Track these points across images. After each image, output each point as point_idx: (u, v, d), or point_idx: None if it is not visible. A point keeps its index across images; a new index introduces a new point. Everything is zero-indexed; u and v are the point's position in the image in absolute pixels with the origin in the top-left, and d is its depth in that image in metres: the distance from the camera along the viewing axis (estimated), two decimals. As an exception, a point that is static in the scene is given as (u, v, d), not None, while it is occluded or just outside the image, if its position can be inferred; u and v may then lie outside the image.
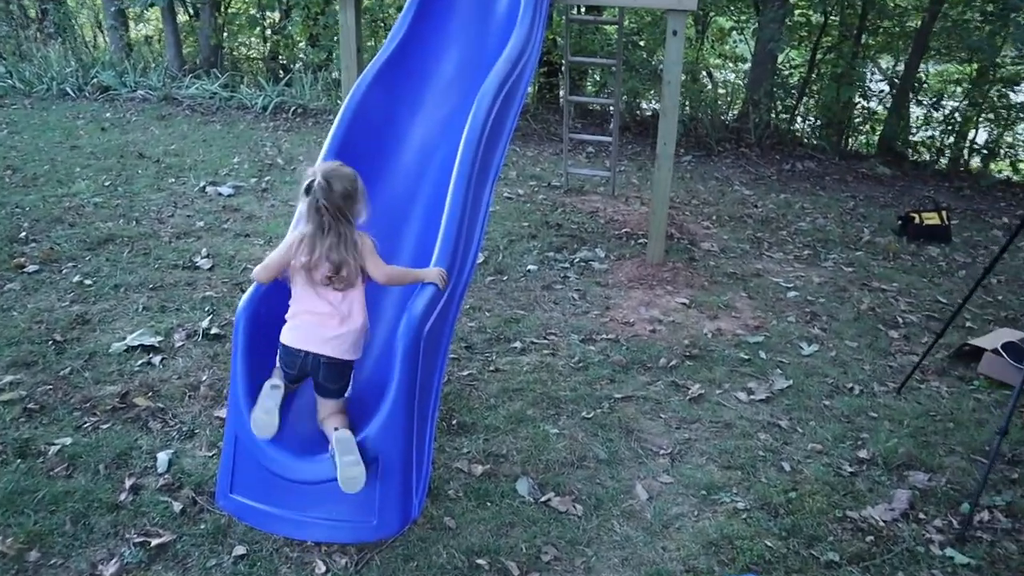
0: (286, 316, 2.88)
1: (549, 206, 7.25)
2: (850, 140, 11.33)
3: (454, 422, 3.59)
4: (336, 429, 2.70)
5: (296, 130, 10.24)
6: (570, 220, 6.79)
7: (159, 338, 4.23)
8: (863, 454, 3.52)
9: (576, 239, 6.27)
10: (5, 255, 5.29)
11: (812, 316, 5.04)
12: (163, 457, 3.25)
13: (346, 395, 2.87)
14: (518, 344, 4.40)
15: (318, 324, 2.79)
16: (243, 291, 4.94)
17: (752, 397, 3.96)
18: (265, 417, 2.70)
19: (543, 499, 3.08)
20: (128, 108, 11.10)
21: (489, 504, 3.05)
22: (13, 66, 12.05)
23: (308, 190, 2.71)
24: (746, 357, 4.38)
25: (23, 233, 5.72)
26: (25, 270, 5.08)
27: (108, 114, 10.65)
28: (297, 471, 2.76)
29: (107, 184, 7.12)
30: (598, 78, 12.31)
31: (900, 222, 7.15)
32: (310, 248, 2.73)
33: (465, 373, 4.04)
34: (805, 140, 10.84)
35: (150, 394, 3.73)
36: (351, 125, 3.72)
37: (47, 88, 11.85)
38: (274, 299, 3.10)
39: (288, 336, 2.82)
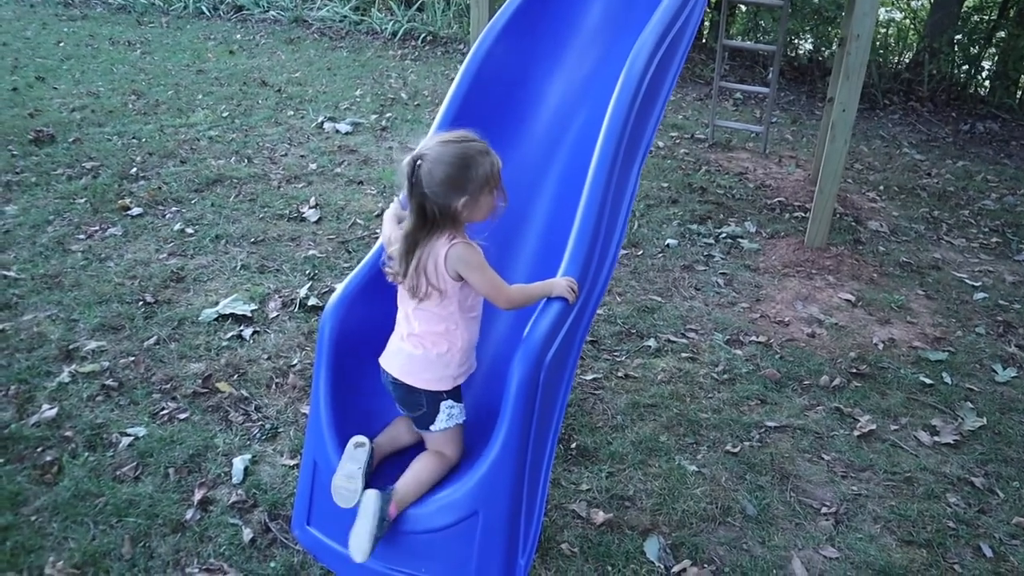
0: None
1: (692, 163, 6.50)
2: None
3: (573, 445, 3.05)
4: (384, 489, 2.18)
5: (424, 59, 9.72)
6: (715, 183, 6.03)
7: (253, 306, 3.84)
8: (1083, 534, 2.79)
9: (722, 208, 5.53)
10: (113, 194, 5.02)
11: (1006, 328, 4.20)
12: (239, 464, 2.84)
13: (443, 427, 2.33)
14: (652, 342, 3.79)
15: (395, 336, 2.32)
16: (349, 251, 4.53)
17: (936, 439, 3.24)
18: (347, 484, 2.19)
19: (676, 569, 2.51)
20: (259, 30, 10.83)
21: (610, 569, 2.50)
22: (149, -19, 11.94)
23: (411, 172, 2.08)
24: (927, 381, 3.63)
25: (134, 168, 5.44)
26: (129, 212, 4.79)
27: (238, 36, 10.41)
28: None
29: (225, 115, 6.80)
30: (745, 14, 11.19)
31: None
32: (400, 251, 2.18)
33: (589, 378, 3.48)
34: (986, 97, 9.52)
35: (235, 377, 3.34)
36: (474, 82, 3.13)
37: (184, 6, 11.72)
38: (377, 296, 2.62)
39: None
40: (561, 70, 3.41)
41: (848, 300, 4.33)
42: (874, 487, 2.95)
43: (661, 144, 6.95)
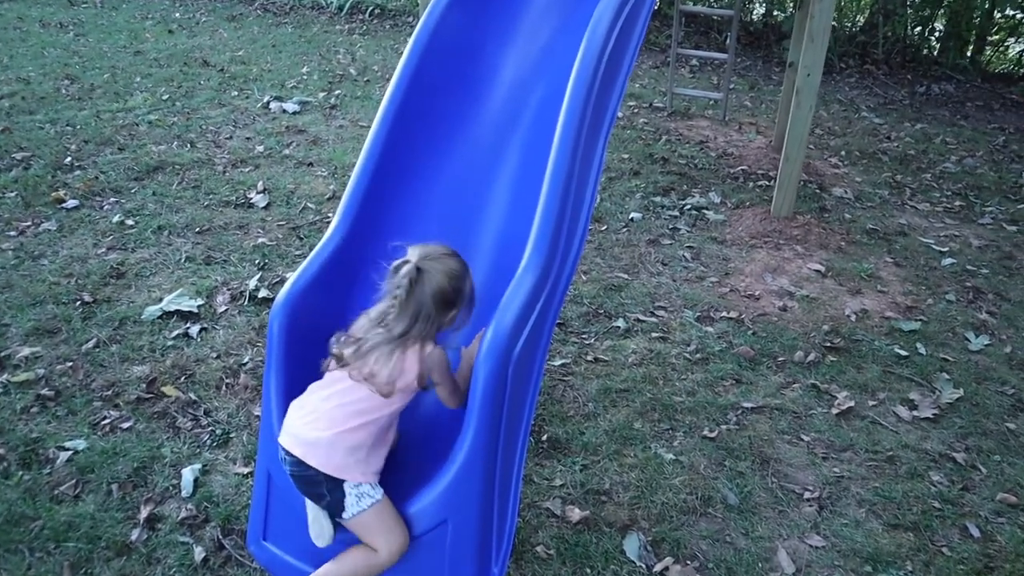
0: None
1: (652, 133, 6.35)
2: (991, 58, 9.90)
3: (544, 437, 2.91)
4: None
5: (372, 33, 9.43)
6: (677, 153, 5.90)
7: (199, 301, 3.62)
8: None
9: (686, 178, 5.40)
10: (46, 186, 4.73)
11: (976, 294, 4.14)
12: (188, 476, 2.65)
13: (357, 511, 2.04)
14: (621, 322, 3.65)
15: (303, 416, 2.08)
16: (300, 238, 4.31)
17: (915, 414, 3.16)
18: (316, 527, 2.06)
19: (658, 568, 2.38)
20: (199, 7, 10.43)
21: (589, 572, 2.37)
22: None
23: (396, 271, 2.07)
24: (902, 353, 3.54)
25: (68, 158, 5.15)
26: (64, 205, 4.51)
27: (177, 14, 10.01)
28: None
29: (165, 98, 6.49)
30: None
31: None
32: (359, 328, 2.11)
33: (558, 364, 3.33)
34: (939, 58, 9.48)
35: (182, 379, 3.13)
36: (425, 55, 2.94)
37: (117, -17, 11.24)
38: (332, 285, 2.46)
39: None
40: (515, 42, 3.22)
41: (817, 271, 4.23)
42: (856, 468, 2.85)
43: (620, 114, 6.79)
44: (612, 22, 2.73)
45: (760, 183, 5.38)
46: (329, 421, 2.05)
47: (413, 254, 2.09)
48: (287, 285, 2.32)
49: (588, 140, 2.62)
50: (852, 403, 3.17)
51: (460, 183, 2.91)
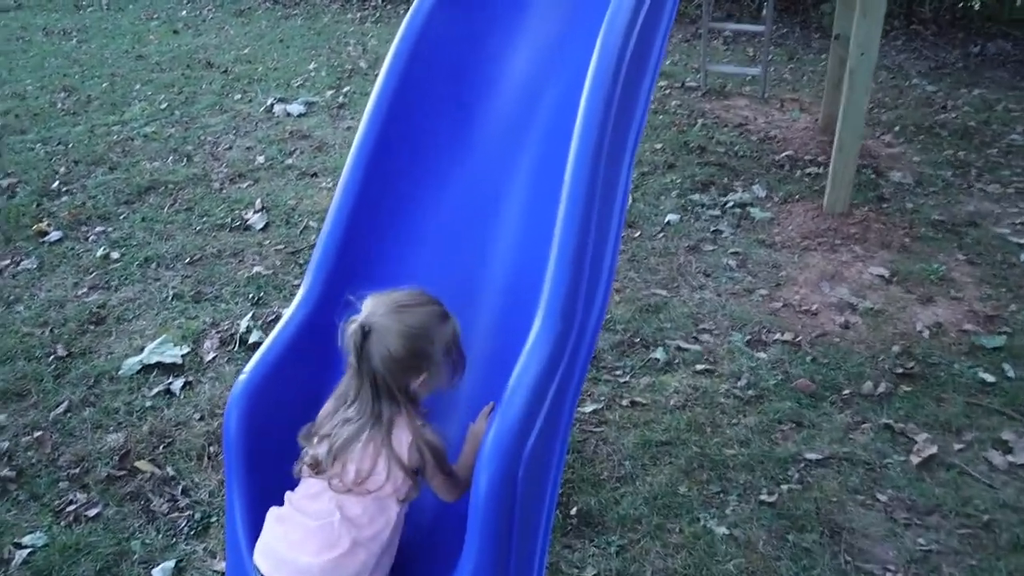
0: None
1: (686, 116, 5.84)
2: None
3: (573, 511, 2.48)
4: None
5: (385, 20, 8.99)
6: (715, 140, 5.39)
7: (184, 349, 3.25)
8: None
9: (726, 169, 4.90)
10: (30, 217, 4.39)
11: (1067, 295, 3.61)
12: (158, 579, 2.28)
13: None
14: (660, 353, 3.20)
15: (281, 525, 1.72)
16: (299, 264, 3.91)
17: (1010, 459, 2.67)
18: None
19: None
20: (206, 3, 10.07)
21: None
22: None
23: (343, 334, 1.70)
24: (988, 378, 3.04)
25: (56, 182, 4.80)
26: (47, 238, 4.16)
27: (184, 12, 9.66)
28: None
29: (164, 107, 6.12)
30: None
31: None
32: (326, 415, 1.75)
33: (589, 410, 2.90)
34: (993, 14, 8.75)
35: (160, 448, 2.76)
36: (416, 51, 2.51)
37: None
38: (297, 364, 2.05)
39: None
40: (523, 34, 2.76)
41: (881, 276, 3.72)
42: (946, 538, 2.38)
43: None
44: (635, 7, 2.27)
45: (809, 171, 4.86)
46: (319, 543, 1.66)
47: (365, 308, 1.69)
48: (246, 370, 1.91)
49: (611, 157, 2.17)
50: (934, 448, 2.69)
51: (459, 215, 2.48)
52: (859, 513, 2.47)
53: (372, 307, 1.68)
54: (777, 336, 3.30)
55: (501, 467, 1.65)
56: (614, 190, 2.21)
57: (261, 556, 1.70)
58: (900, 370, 3.08)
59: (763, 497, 2.52)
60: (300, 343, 2.01)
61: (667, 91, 6.46)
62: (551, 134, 2.48)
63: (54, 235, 4.19)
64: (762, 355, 3.19)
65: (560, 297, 1.86)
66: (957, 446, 2.73)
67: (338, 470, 1.69)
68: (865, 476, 2.60)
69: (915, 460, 2.65)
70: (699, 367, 3.12)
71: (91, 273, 3.85)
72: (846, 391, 2.98)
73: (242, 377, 1.90)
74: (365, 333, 1.64)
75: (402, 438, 1.71)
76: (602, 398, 2.96)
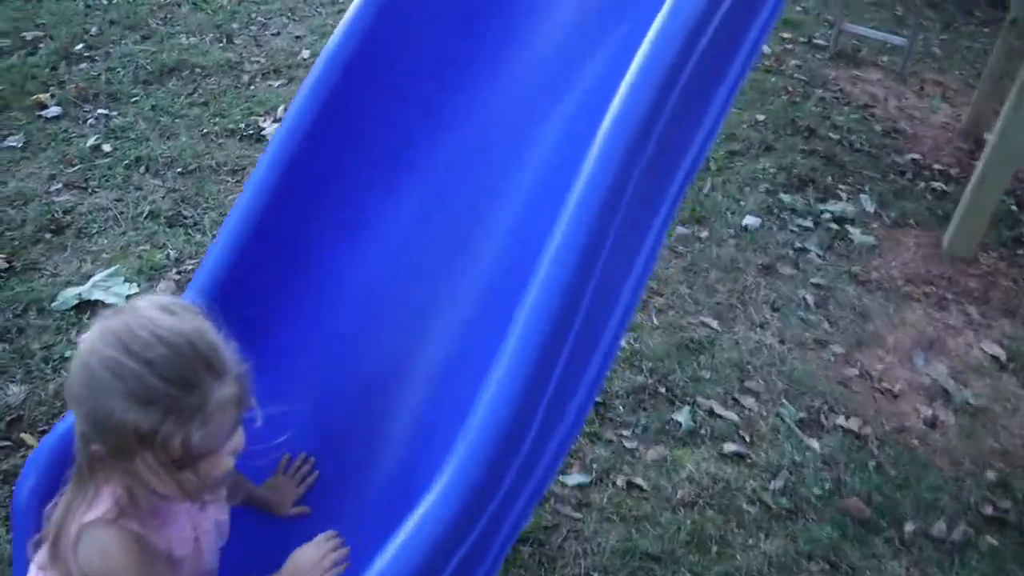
0: None
1: (803, 85, 4.96)
2: None
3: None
4: None
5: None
6: (830, 121, 4.53)
7: (132, 288, 2.76)
8: None
9: (832, 165, 4.08)
10: (39, 81, 3.91)
11: None
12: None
13: None
14: (685, 414, 2.56)
15: None
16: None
17: None
18: None
19: None
20: None
21: None
22: None
23: None
24: (1106, 543, 2.33)
25: (80, 44, 4.28)
26: (44, 112, 3.68)
27: None
28: None
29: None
30: None
31: None
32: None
33: (573, 483, 2.30)
34: None
35: (57, 418, 2.29)
36: (347, 74, 1.80)
37: None
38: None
39: None
40: (516, 40, 2.02)
41: (995, 357, 2.96)
42: None
43: (767, 50, 5.37)
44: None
45: (935, 185, 4.01)
46: None
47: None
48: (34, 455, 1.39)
49: (642, 204, 1.52)
50: (1011, 643, 2.04)
51: (430, 224, 1.85)
52: None
53: (101, 329, 1.08)
54: (840, 420, 2.62)
55: None
56: (631, 258, 1.56)
57: None
58: (990, 510, 2.38)
59: (764, 673, 1.92)
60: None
61: (788, 46, 5.52)
62: (562, 140, 1.81)
63: (53, 110, 3.70)
64: (814, 444, 2.53)
65: (487, 439, 1.25)
66: (1040, 645, 2.06)
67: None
68: (906, 667, 1.97)
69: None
70: (729, 447, 2.47)
71: (74, 166, 3.36)
72: (909, 526, 2.31)
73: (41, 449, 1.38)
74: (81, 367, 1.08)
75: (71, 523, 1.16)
76: (595, 466, 2.36)
